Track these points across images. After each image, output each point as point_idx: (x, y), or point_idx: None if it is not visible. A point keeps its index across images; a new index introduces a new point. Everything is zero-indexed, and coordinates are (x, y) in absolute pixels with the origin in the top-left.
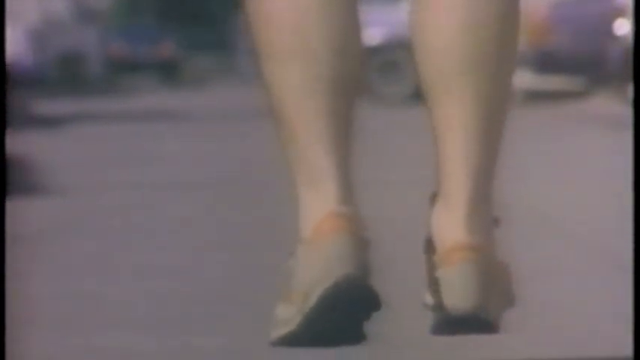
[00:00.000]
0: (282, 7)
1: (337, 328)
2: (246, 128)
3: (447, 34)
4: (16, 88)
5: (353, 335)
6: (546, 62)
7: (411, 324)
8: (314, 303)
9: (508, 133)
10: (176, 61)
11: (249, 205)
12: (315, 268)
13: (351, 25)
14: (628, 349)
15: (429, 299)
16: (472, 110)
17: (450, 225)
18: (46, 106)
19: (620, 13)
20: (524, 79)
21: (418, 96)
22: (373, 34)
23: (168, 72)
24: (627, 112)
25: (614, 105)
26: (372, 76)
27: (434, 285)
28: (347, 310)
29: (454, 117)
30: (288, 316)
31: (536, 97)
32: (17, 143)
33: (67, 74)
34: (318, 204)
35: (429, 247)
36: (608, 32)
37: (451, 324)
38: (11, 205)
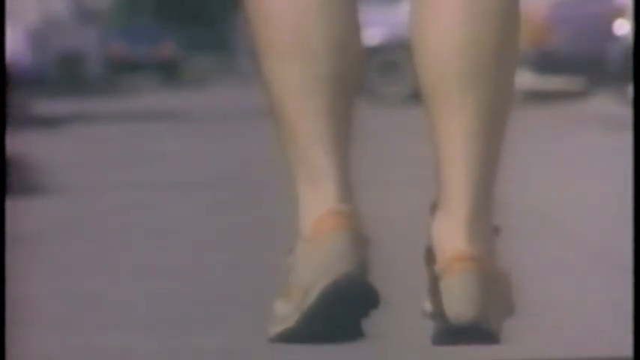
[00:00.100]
0: (282, 6)
1: (336, 326)
2: (246, 128)
3: (446, 35)
4: (16, 88)
5: (351, 332)
6: (546, 62)
7: (411, 324)
8: (313, 300)
9: (508, 134)
10: (176, 61)
11: (249, 205)
12: (315, 265)
13: (351, 25)
14: (628, 349)
15: (429, 307)
16: (472, 120)
17: (451, 234)
18: (45, 106)
19: (620, 13)
20: (524, 79)
21: (418, 96)
22: (373, 35)
23: (168, 72)
24: (627, 112)
25: (613, 105)
26: (372, 77)
27: (434, 293)
28: (346, 307)
29: (454, 127)
30: (287, 312)
31: (536, 97)
32: (17, 143)
33: (67, 74)
34: (317, 202)
35: (430, 256)
36: (608, 32)
37: (452, 334)
38: (11, 205)
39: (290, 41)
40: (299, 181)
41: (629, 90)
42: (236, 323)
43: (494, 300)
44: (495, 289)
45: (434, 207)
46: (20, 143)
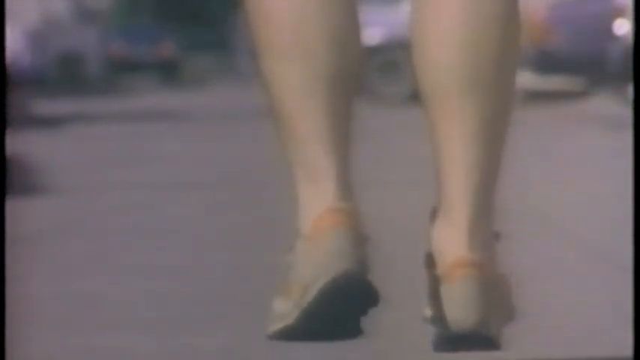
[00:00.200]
0: (282, 6)
1: (335, 323)
2: (246, 128)
3: (446, 38)
4: (16, 88)
5: (350, 330)
6: (546, 62)
7: (411, 323)
8: (312, 297)
9: (508, 134)
10: (176, 61)
11: (249, 205)
12: (314, 263)
13: (350, 24)
14: (628, 349)
15: (429, 311)
16: (473, 124)
17: (452, 241)
18: (45, 106)
19: (619, 13)
20: (524, 79)
21: (417, 96)
22: (373, 34)
23: (168, 72)
24: (627, 112)
25: (613, 105)
26: (372, 77)
27: (434, 299)
28: (345, 305)
29: (454, 132)
30: (286, 310)
31: (535, 97)
32: (17, 143)
33: (67, 74)
34: (317, 200)
35: (430, 261)
36: (608, 32)
37: (453, 341)
38: (11, 205)
39: (290, 41)
40: (299, 179)
41: (629, 90)
42: (236, 323)
43: (495, 305)
44: (496, 294)
45: (434, 212)
46: (20, 143)
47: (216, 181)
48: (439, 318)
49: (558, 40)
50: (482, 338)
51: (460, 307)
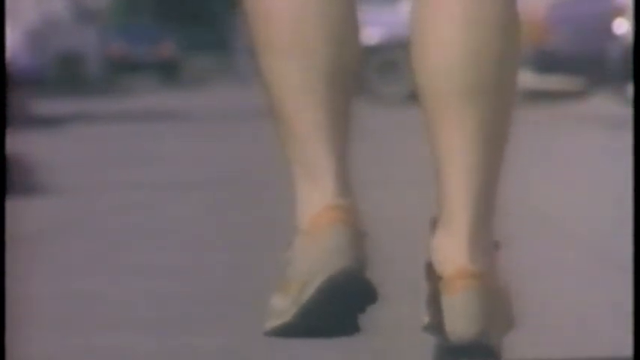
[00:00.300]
0: (282, 5)
1: (333, 320)
2: (246, 128)
3: (446, 47)
4: (15, 87)
5: (348, 327)
6: (545, 62)
7: (411, 323)
8: (310, 295)
9: (508, 140)
10: (175, 61)
11: (249, 205)
12: (312, 259)
13: (350, 23)
14: (628, 349)
15: (427, 320)
16: (473, 135)
17: (452, 251)
18: (45, 106)
19: (619, 12)
20: (523, 78)
21: (416, 96)
22: (372, 34)
23: (168, 72)
24: (626, 112)
25: (613, 104)
26: (371, 76)
27: (434, 308)
28: (343, 302)
29: (454, 142)
30: (284, 307)
31: (535, 96)
32: (17, 143)
33: (66, 74)
34: (315, 197)
35: (430, 271)
36: (608, 32)
37: (454, 352)
38: (11, 205)
39: (289, 40)
40: (297, 176)
41: (629, 89)
42: (236, 323)
43: (496, 316)
44: (496, 304)
45: (434, 222)
46: (20, 143)
47: (216, 181)
48: (438, 327)
49: (558, 39)
50: (482, 349)
51: (461, 318)
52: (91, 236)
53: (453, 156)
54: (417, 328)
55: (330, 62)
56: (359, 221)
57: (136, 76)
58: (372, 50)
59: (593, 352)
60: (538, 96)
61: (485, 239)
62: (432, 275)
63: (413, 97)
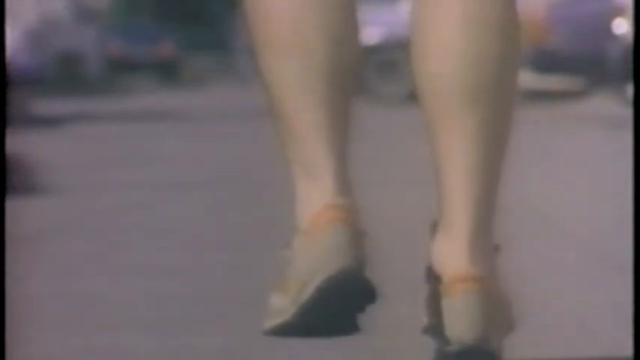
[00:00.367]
0: (281, 5)
1: (332, 320)
2: (246, 128)
3: (447, 54)
4: (15, 87)
5: (347, 326)
6: (545, 62)
7: (410, 323)
8: (310, 294)
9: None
10: (175, 61)
11: (249, 205)
12: (312, 259)
13: (349, 22)
14: (628, 349)
15: (426, 322)
16: (473, 138)
17: (452, 255)
18: (44, 106)
19: (618, 12)
20: (523, 78)
21: (416, 96)
22: (371, 34)
23: (167, 72)
24: (626, 112)
25: (613, 104)
26: (371, 76)
27: (434, 312)
28: (342, 301)
29: (454, 147)
30: (283, 306)
31: (535, 96)
32: (17, 143)
33: (66, 74)
34: (315, 196)
35: (430, 275)
36: (607, 32)
37: (454, 356)
38: (11, 205)
39: (289, 39)
40: (297, 175)
41: (629, 89)
42: (236, 323)
43: (496, 319)
44: (496, 307)
45: (434, 226)
46: (20, 143)
47: (216, 181)
48: (437, 330)
49: (557, 39)
50: (483, 353)
51: (461, 321)
52: (91, 236)
53: (453, 158)
54: (416, 328)
55: (330, 62)
56: (358, 221)
57: (135, 76)
58: (372, 50)
59: (593, 352)
60: (538, 96)
61: (486, 242)
62: (433, 278)
63: (412, 97)
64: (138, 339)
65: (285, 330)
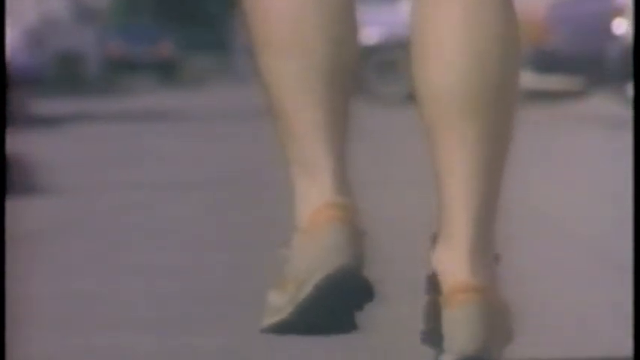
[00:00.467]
0: (280, 5)
1: (329, 318)
2: (246, 128)
3: (448, 65)
4: (14, 87)
5: (344, 325)
6: (545, 62)
7: (411, 323)
8: (308, 292)
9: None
10: (174, 61)
11: (249, 205)
12: (310, 257)
13: (348, 22)
14: (628, 349)
15: (425, 331)
16: (474, 150)
17: (453, 266)
18: (44, 106)
19: (618, 12)
20: (523, 78)
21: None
22: (371, 34)
23: (167, 72)
24: (626, 112)
25: (612, 104)
26: (370, 76)
27: (434, 322)
28: (341, 300)
29: (455, 157)
30: (281, 304)
31: (534, 96)
32: (17, 143)
33: (65, 74)
34: (314, 194)
35: (431, 285)
36: (607, 32)
37: None
38: (11, 205)
39: (288, 39)
40: (296, 174)
41: (628, 89)
42: (236, 323)
43: (496, 329)
44: (497, 318)
45: (434, 237)
46: (20, 143)
47: (216, 181)
48: (437, 341)
49: (557, 39)
50: None
51: (462, 333)
52: (91, 236)
53: (454, 168)
54: (416, 329)
55: (329, 62)
56: (357, 219)
57: (134, 75)
58: (371, 50)
59: (593, 352)
60: (538, 96)
61: (487, 252)
62: (433, 289)
63: (412, 97)
64: (138, 339)
65: (283, 328)
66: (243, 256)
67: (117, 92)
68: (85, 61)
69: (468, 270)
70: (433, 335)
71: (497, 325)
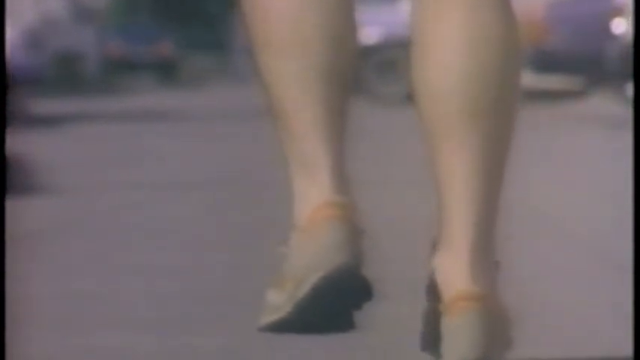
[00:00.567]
0: (280, 4)
1: (328, 317)
2: (245, 128)
3: (447, 71)
4: (13, 87)
5: (343, 324)
6: (544, 61)
7: (411, 322)
8: (306, 291)
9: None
10: (174, 61)
11: (249, 205)
12: (309, 255)
13: (348, 21)
14: (628, 349)
15: (425, 338)
16: (474, 157)
17: (453, 272)
18: (43, 106)
19: (617, 12)
20: (522, 79)
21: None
22: (371, 34)
23: (166, 71)
24: (625, 111)
25: (612, 104)
26: (370, 76)
27: (433, 330)
28: (339, 299)
29: (455, 164)
30: (279, 302)
31: (534, 96)
32: (17, 143)
33: (65, 73)
34: (313, 193)
35: (431, 293)
36: (606, 31)
37: None
38: (11, 205)
39: (288, 38)
40: (295, 173)
41: (628, 89)
42: (236, 323)
43: (496, 337)
44: (497, 325)
45: (434, 244)
46: (19, 143)
47: (216, 181)
48: (437, 348)
49: (556, 39)
50: None
51: (462, 340)
52: (91, 236)
53: (453, 172)
54: (417, 328)
55: (329, 61)
56: (356, 218)
57: (134, 75)
58: (371, 50)
59: (593, 352)
60: (537, 96)
61: (487, 258)
62: (433, 295)
63: (411, 96)
64: (138, 339)
65: (281, 326)
66: (243, 256)
67: (116, 92)
68: (85, 60)
69: (468, 277)
70: (433, 342)
71: (497, 332)
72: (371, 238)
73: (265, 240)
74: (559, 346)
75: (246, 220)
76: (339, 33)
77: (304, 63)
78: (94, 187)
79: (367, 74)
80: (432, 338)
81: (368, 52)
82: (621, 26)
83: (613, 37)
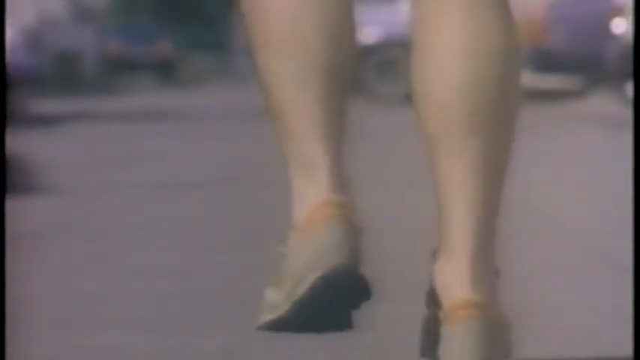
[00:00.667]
0: (280, 4)
1: (326, 316)
2: (245, 128)
3: (448, 79)
4: (13, 87)
5: (341, 323)
6: (544, 61)
7: (410, 323)
8: (305, 290)
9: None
10: (173, 61)
11: (249, 205)
12: (307, 255)
13: (347, 21)
14: (628, 349)
15: (424, 345)
16: (474, 163)
17: (453, 281)
18: (42, 105)
19: (617, 12)
20: (522, 78)
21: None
22: (370, 34)
23: (166, 71)
24: (625, 111)
25: (611, 104)
26: (369, 76)
27: (433, 337)
28: (337, 298)
29: (455, 172)
30: (277, 301)
31: (533, 96)
32: (17, 143)
33: (64, 73)
34: (311, 192)
35: (431, 301)
36: (606, 31)
37: None
38: (11, 205)
39: (287, 38)
40: (294, 172)
41: (628, 89)
42: (236, 323)
43: (496, 345)
44: (497, 334)
45: (435, 252)
46: (19, 143)
47: (216, 181)
48: (436, 355)
49: (556, 39)
50: None
51: (462, 349)
52: (91, 236)
53: (454, 176)
54: (416, 328)
55: (328, 61)
56: (354, 217)
57: (133, 75)
58: (370, 50)
59: (593, 352)
60: (537, 96)
61: (487, 266)
62: (433, 303)
63: (411, 97)
64: (138, 339)
65: (279, 325)
66: (243, 256)
67: (116, 92)
68: (84, 60)
69: (468, 285)
70: (432, 349)
71: (497, 340)
72: (371, 238)
73: (265, 240)
74: (559, 346)
75: (246, 220)
76: (338, 33)
77: (303, 63)
78: (94, 187)
79: (366, 74)
80: (431, 345)
81: (367, 51)
82: (621, 26)
83: (613, 37)
